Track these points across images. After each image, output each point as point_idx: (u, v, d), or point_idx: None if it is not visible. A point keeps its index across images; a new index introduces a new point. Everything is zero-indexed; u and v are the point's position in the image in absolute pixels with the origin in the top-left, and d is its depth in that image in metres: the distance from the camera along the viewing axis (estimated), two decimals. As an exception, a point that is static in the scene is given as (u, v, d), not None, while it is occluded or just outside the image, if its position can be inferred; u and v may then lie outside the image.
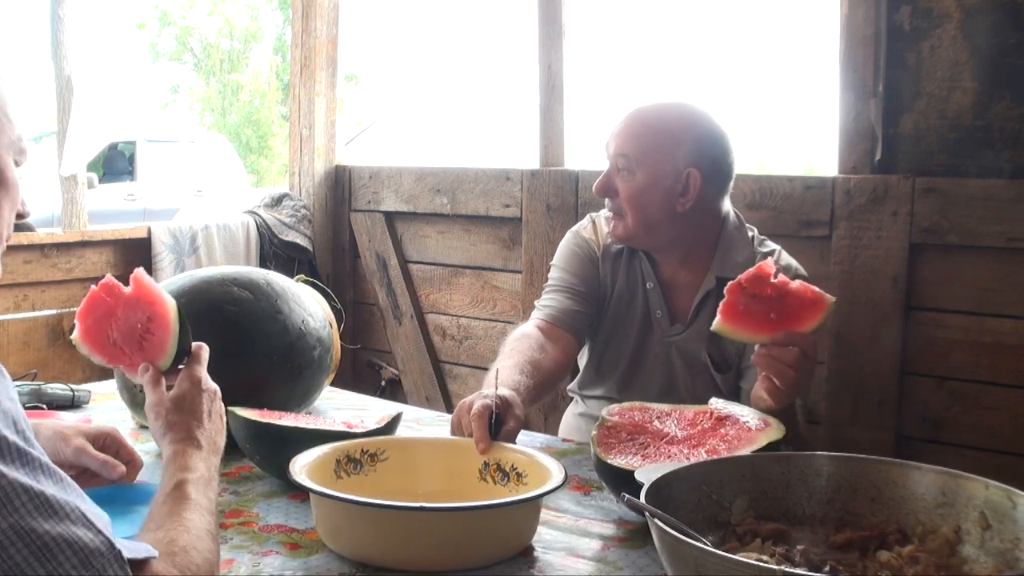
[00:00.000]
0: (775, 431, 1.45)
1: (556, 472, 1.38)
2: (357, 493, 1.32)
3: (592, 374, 2.15)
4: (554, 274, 2.13)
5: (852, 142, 2.51)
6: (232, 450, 1.69)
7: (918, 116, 2.43)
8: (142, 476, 1.61)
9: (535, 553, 1.35)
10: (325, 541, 1.35)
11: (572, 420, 2.21)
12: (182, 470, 1.18)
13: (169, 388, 1.33)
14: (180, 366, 1.35)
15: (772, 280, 1.56)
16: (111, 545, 0.88)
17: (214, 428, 1.31)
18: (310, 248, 3.63)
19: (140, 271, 1.39)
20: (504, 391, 1.66)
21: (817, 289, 1.57)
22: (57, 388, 2.10)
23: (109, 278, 1.39)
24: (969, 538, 1.15)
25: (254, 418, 1.59)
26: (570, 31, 3.15)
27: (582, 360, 2.19)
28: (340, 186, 3.70)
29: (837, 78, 2.52)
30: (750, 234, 2.05)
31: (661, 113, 1.98)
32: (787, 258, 2.03)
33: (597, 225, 2.14)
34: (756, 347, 1.58)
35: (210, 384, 1.35)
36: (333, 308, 2.08)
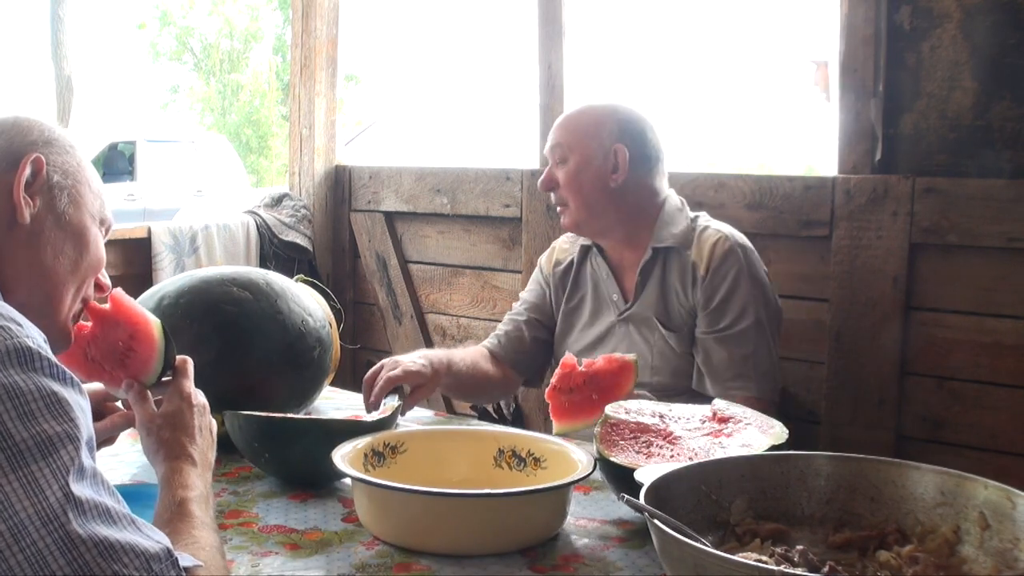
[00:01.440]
0: (778, 434, 1.45)
1: (581, 457, 1.44)
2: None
3: None
4: (517, 305, 2.37)
5: (852, 142, 2.51)
6: (232, 450, 1.69)
7: (918, 116, 2.43)
8: (141, 476, 1.61)
9: (535, 552, 1.35)
10: (368, 527, 1.40)
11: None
12: (182, 488, 1.19)
13: (156, 402, 1.34)
14: (164, 379, 1.36)
15: (579, 368, 1.75)
16: (169, 551, 0.96)
17: (205, 443, 1.31)
18: (310, 248, 3.62)
19: (118, 291, 1.39)
20: (415, 363, 2.02)
21: (617, 355, 1.78)
22: None
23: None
24: (968, 538, 1.15)
25: (263, 415, 1.60)
26: (570, 31, 3.15)
27: None
28: (340, 186, 3.70)
29: (837, 78, 2.52)
30: (692, 214, 2.19)
31: (587, 107, 2.23)
32: (717, 224, 2.14)
33: (554, 249, 2.36)
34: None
35: (199, 399, 1.35)
36: (333, 308, 2.08)
